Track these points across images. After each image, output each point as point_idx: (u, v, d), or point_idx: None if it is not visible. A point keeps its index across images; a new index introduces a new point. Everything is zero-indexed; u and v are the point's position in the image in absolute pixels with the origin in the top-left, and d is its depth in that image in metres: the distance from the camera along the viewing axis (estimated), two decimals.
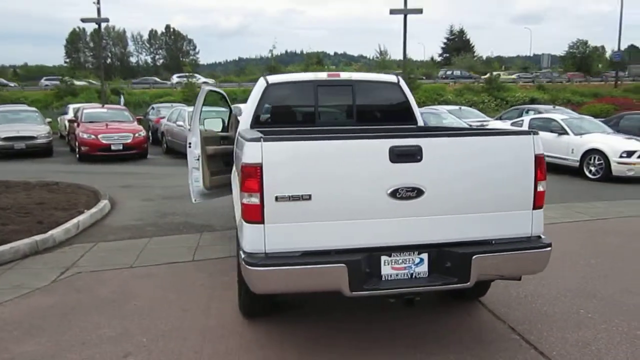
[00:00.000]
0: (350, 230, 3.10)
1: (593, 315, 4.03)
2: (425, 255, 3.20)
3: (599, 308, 4.16)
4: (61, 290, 4.71)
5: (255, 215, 3.03)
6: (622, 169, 10.56)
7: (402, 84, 5.30)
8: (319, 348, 3.55)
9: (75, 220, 6.80)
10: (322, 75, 5.26)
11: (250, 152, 3.02)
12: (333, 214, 3.07)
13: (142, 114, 20.65)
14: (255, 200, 3.02)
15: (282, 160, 3.01)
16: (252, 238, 3.06)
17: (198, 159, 6.21)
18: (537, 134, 3.32)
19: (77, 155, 14.63)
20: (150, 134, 18.19)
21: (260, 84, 5.08)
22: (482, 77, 42.31)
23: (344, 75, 5.28)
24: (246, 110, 5.08)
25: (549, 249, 3.28)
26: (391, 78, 5.38)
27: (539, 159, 3.27)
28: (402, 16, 19.62)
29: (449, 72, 51.30)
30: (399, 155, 3.08)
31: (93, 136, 14.22)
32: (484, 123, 15.74)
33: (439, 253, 3.20)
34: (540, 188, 3.29)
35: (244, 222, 3.11)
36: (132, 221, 7.40)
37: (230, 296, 4.43)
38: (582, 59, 60.93)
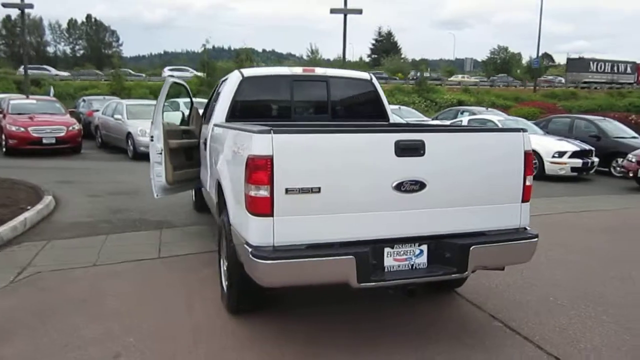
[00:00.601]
0: (356, 222, 3.14)
1: (562, 302, 4.31)
2: (424, 247, 3.30)
3: (565, 295, 4.45)
4: (24, 291, 4.40)
5: (263, 208, 2.99)
6: (555, 168, 11.33)
7: (374, 81, 5.41)
8: (317, 341, 3.55)
9: (21, 217, 6.36)
10: (298, 70, 5.25)
11: (260, 143, 2.97)
12: (341, 206, 3.09)
13: (73, 107, 19.53)
14: (264, 193, 2.98)
15: (292, 152, 2.99)
16: (260, 231, 3.02)
17: (160, 153, 6.01)
18: (527, 131, 3.51)
19: (4, 149, 13.61)
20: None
21: (234, 77, 4.99)
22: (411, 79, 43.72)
23: (319, 71, 5.31)
24: (220, 104, 4.97)
25: (536, 239, 3.49)
26: (364, 75, 5.47)
27: (527, 155, 3.46)
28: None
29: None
30: (403, 149, 3.15)
31: (22, 129, 13.27)
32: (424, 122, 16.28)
33: (437, 244, 3.30)
34: (528, 182, 3.49)
35: (250, 214, 3.06)
36: (83, 218, 7.02)
37: (209, 293, 4.34)
38: (503, 64, 64.48)
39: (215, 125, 4.70)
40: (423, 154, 3.18)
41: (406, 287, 3.39)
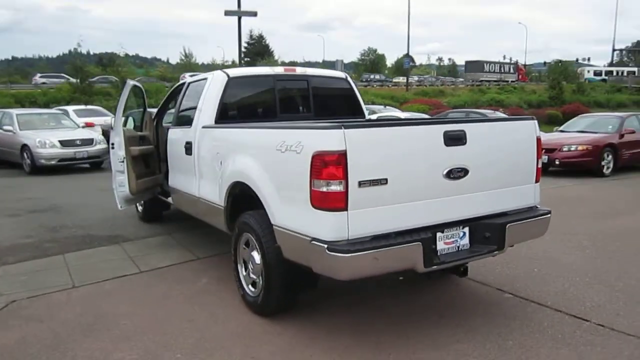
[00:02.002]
0: (415, 210, 3.28)
1: (547, 272, 4.83)
2: (466, 229, 3.55)
3: (546, 267, 4.99)
4: (13, 323, 3.89)
5: (338, 202, 3.01)
6: None
7: (349, 79, 5.60)
8: (356, 333, 3.63)
9: None
10: (279, 70, 5.25)
11: (333, 139, 3.00)
12: (403, 196, 3.22)
13: None
14: (336, 187, 3.01)
15: (362, 146, 3.05)
16: (335, 226, 3.04)
17: (122, 161, 5.65)
18: (535, 119, 3.93)
19: None
20: None
21: (219, 78, 4.86)
22: None
23: (299, 70, 5.35)
24: (207, 105, 4.80)
25: (549, 215, 3.91)
26: (340, 74, 5.63)
27: (538, 140, 3.87)
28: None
29: None
30: (451, 139, 3.37)
31: None
32: None
33: (477, 226, 3.57)
34: (539, 165, 3.90)
35: (319, 210, 3.06)
36: (20, 239, 6.29)
37: (224, 301, 4.23)
38: (372, 65, 68.07)
39: (221, 127, 4.54)
40: (465, 143, 3.43)
41: (459, 267, 3.62)
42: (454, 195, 3.44)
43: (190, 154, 4.90)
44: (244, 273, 4.11)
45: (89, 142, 12.47)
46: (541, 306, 4.03)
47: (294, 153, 3.23)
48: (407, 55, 46.19)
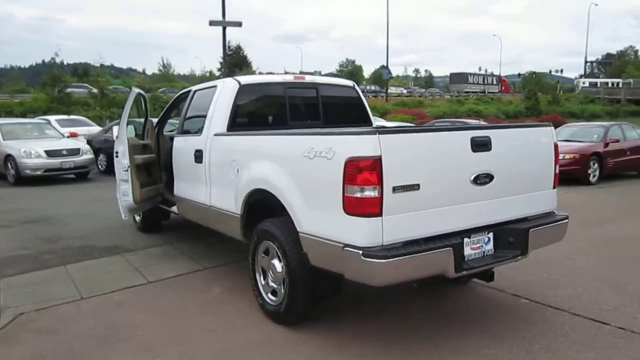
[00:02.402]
0: (444, 216, 3.29)
1: (557, 277, 4.89)
2: (491, 235, 3.57)
3: (555, 272, 5.04)
4: (25, 337, 3.76)
5: (372, 207, 3.00)
6: None
7: (357, 87, 5.62)
8: (382, 340, 3.61)
9: None
10: (289, 78, 5.24)
11: (367, 144, 2.99)
12: (433, 201, 3.23)
13: None
14: (371, 193, 2.99)
15: (396, 151, 3.05)
16: (369, 231, 3.02)
17: (127, 170, 5.55)
18: (552, 126, 3.99)
19: None
20: None
21: (230, 85, 4.82)
22: None
23: (308, 78, 5.35)
24: (218, 113, 4.75)
25: (567, 220, 3.97)
26: (348, 82, 5.65)
27: (555, 146, 3.94)
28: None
29: None
30: (477, 145, 3.40)
31: None
32: None
33: (500, 231, 3.60)
34: (556, 171, 3.96)
35: (353, 216, 3.04)
36: (17, 251, 6.11)
37: (238, 309, 4.18)
38: (351, 76, 68.64)
39: (238, 134, 4.52)
40: (490, 149, 3.46)
41: (486, 272, 3.64)
42: (480, 200, 3.47)
43: (201, 162, 4.83)
44: (263, 282, 4.05)
45: (76, 152, 12.22)
46: (559, 310, 4.07)
47: (324, 159, 3.22)
48: (385, 67, 46.67)
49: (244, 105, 4.82)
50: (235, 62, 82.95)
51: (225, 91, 4.80)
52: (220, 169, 4.57)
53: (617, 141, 12.19)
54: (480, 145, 3.41)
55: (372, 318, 3.98)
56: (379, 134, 3.01)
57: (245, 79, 4.92)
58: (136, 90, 5.78)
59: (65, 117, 17.97)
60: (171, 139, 6.64)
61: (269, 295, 3.98)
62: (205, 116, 4.94)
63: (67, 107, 26.49)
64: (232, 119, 4.71)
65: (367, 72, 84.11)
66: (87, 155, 12.44)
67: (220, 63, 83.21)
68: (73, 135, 14.74)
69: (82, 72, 54.79)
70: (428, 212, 3.21)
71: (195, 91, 5.52)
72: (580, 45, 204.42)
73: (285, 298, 3.71)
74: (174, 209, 5.81)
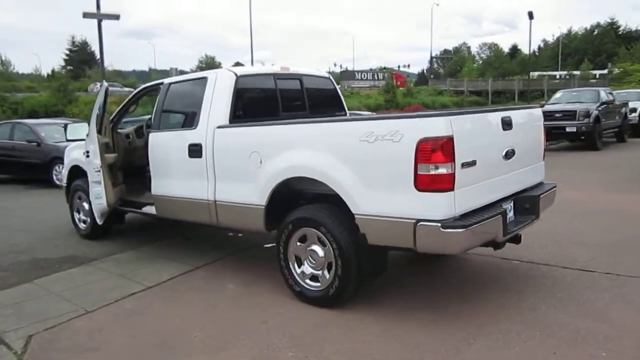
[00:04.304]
0: (488, 188, 3.68)
1: (528, 240, 5.57)
2: (512, 203, 4.04)
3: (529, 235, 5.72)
4: (63, 358, 3.39)
5: (446, 183, 3.26)
6: None
7: (332, 78, 5.83)
8: (420, 303, 3.92)
9: None
10: (277, 69, 5.24)
11: (439, 126, 3.24)
12: (483, 175, 3.59)
13: None
14: (444, 170, 3.25)
15: (462, 131, 3.33)
16: (445, 205, 3.28)
17: (99, 171, 5.17)
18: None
19: None
20: None
21: (227, 76, 4.71)
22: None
23: (292, 69, 5.39)
24: (218, 105, 4.63)
25: (556, 187, 4.60)
26: (325, 74, 5.83)
27: (543, 125, 4.56)
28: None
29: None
30: (506, 124, 3.83)
31: None
32: None
33: (518, 199, 4.09)
34: (545, 146, 4.58)
35: (427, 192, 3.27)
36: None
37: (271, 300, 4.18)
38: None
39: (258, 125, 4.47)
40: (512, 128, 3.92)
41: (516, 236, 4.09)
42: (507, 173, 3.91)
43: (200, 156, 4.66)
44: (298, 270, 4.10)
45: None
46: (550, 266, 4.71)
47: (390, 142, 3.39)
48: (245, 64, 46.70)
49: (241, 97, 4.74)
50: (81, 58, 76.90)
51: (222, 83, 4.68)
52: (231, 162, 4.47)
53: None
54: (507, 124, 3.85)
55: (384, 294, 4.19)
56: (449, 116, 3.28)
57: (240, 70, 4.83)
58: (106, 84, 5.33)
59: None
60: (127, 135, 6.26)
61: (308, 281, 4.04)
62: (196, 109, 4.77)
63: None
64: (234, 111, 4.62)
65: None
66: None
67: (65, 59, 76.38)
68: None
69: None
70: (480, 185, 3.56)
71: (170, 84, 5.26)
72: (418, 41, 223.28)
73: (336, 281, 3.81)
74: (148, 209, 5.48)
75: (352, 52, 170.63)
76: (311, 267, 4.01)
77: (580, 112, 14.41)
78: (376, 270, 3.89)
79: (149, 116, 6.75)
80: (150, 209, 5.41)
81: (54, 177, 11.19)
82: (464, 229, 3.25)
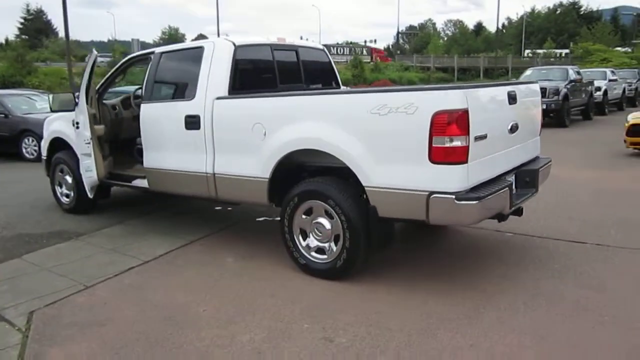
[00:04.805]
0: (495, 161, 3.73)
1: (544, 223, 5.71)
2: (514, 176, 4.12)
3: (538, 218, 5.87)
4: (70, 333, 3.30)
5: (461, 156, 3.29)
6: None
7: (326, 51, 5.75)
8: (432, 276, 3.99)
9: None
10: (273, 39, 5.11)
11: (455, 99, 3.25)
12: (492, 149, 3.63)
13: None
14: (460, 142, 3.27)
15: (476, 104, 3.35)
16: (459, 177, 3.30)
17: (89, 143, 5.00)
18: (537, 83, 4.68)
19: None
20: None
21: (225, 46, 4.58)
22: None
23: (288, 41, 5.28)
24: (216, 75, 4.50)
25: (551, 162, 4.71)
26: (319, 46, 5.73)
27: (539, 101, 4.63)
28: None
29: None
30: (511, 98, 3.88)
31: None
32: None
33: (520, 173, 4.16)
34: (541, 120, 4.67)
35: (441, 164, 3.29)
36: None
37: (275, 272, 4.18)
38: (175, 43, 65.70)
39: (263, 96, 4.38)
40: (516, 102, 3.97)
41: (519, 208, 4.16)
42: (511, 147, 3.97)
43: (197, 128, 4.54)
44: (303, 243, 4.09)
45: None
46: (543, 238, 4.85)
47: (403, 114, 3.38)
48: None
49: (239, 68, 4.62)
50: (37, 27, 73.52)
51: (221, 52, 4.55)
52: (232, 134, 4.38)
53: None
54: (513, 98, 3.90)
55: (388, 266, 4.25)
56: (464, 89, 3.29)
57: (238, 40, 4.69)
58: (95, 53, 5.10)
59: None
60: (114, 107, 6.06)
61: (313, 254, 4.04)
62: (192, 80, 4.63)
63: None
64: (233, 82, 4.51)
65: (189, 40, 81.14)
66: None
67: (20, 28, 72.71)
68: None
69: None
70: (488, 158, 3.61)
71: (162, 53, 5.08)
72: (383, 17, 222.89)
73: (344, 253, 3.82)
74: (139, 182, 5.33)
75: (318, 25, 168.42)
76: (317, 239, 4.01)
77: (550, 89, 14.71)
78: (383, 243, 3.92)
79: (135, 87, 6.53)
80: (142, 182, 5.27)
81: (24, 151, 10.77)
82: (477, 201, 3.29)
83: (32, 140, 10.65)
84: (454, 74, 52.48)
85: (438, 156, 3.31)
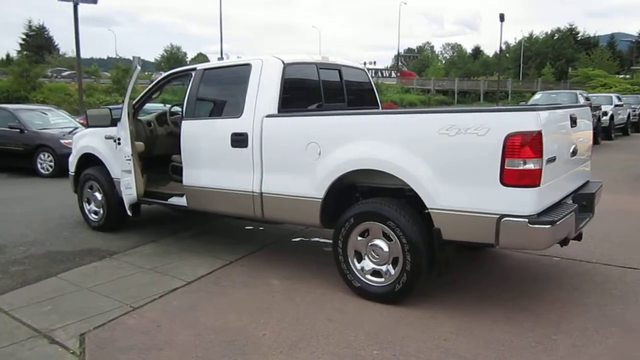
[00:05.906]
0: (560, 184, 3.67)
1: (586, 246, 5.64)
2: (571, 200, 4.05)
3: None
4: (130, 358, 3.17)
5: (534, 178, 3.21)
6: None
7: (367, 70, 5.72)
8: (480, 295, 3.89)
9: None
10: (317, 58, 5.08)
11: (528, 121, 3.18)
12: (559, 171, 3.57)
13: None
14: (531, 165, 3.20)
15: (548, 126, 3.29)
16: (532, 200, 3.22)
17: (130, 160, 4.91)
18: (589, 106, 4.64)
19: None
20: None
21: (275, 64, 4.52)
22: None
23: (331, 59, 5.25)
24: (265, 93, 4.44)
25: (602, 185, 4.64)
26: (359, 65, 5.69)
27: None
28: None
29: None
30: (573, 121, 3.83)
31: None
32: None
33: (577, 196, 4.08)
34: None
35: (513, 187, 3.21)
36: None
37: (326, 296, 4.06)
38: (176, 63, 66.22)
39: (318, 114, 4.44)
40: (576, 125, 3.93)
41: (579, 233, 4.08)
42: (572, 170, 3.92)
43: (245, 146, 4.47)
44: (358, 265, 3.99)
45: None
46: (592, 263, 4.76)
47: (474, 136, 3.32)
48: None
49: (288, 86, 4.56)
50: (38, 44, 73.79)
51: (269, 70, 4.49)
52: (283, 152, 4.30)
53: None
54: (574, 121, 3.85)
55: (442, 291, 4.17)
56: (537, 110, 3.24)
57: (287, 58, 4.64)
58: (139, 68, 5.04)
59: None
60: (149, 123, 5.99)
61: (368, 277, 3.94)
62: (239, 97, 4.57)
63: None
64: (282, 101, 4.45)
65: (189, 60, 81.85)
66: None
67: (22, 44, 72.89)
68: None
69: None
70: (555, 181, 3.54)
71: (204, 70, 5.02)
72: (381, 40, 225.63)
73: (404, 277, 3.71)
74: (176, 201, 5.23)
75: (319, 47, 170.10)
76: (373, 262, 3.91)
77: None
78: (449, 267, 3.82)
79: (169, 105, 6.47)
80: (180, 200, 5.17)
81: (39, 166, 10.64)
82: (550, 225, 3.21)
83: (48, 156, 10.53)
84: (454, 97, 52.86)
85: (511, 179, 3.24)
